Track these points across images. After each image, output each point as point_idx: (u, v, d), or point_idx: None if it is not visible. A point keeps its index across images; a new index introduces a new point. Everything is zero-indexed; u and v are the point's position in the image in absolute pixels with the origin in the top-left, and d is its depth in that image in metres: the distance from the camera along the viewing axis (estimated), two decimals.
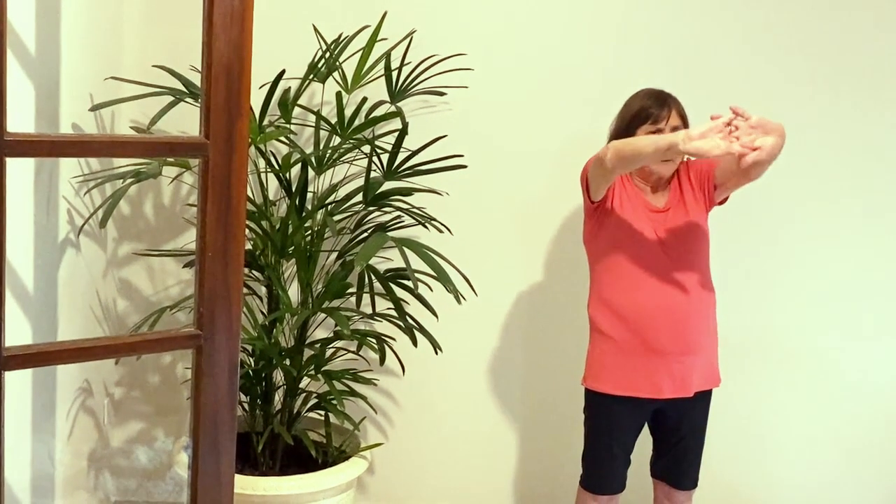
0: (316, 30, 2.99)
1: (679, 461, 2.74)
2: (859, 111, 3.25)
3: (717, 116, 2.29)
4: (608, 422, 2.68)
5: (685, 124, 2.64)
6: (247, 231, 2.15)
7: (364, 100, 2.90)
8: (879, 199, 3.31)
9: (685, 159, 2.68)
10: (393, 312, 2.83)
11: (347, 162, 3.02)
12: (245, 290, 2.36)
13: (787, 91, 3.20)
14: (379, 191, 2.88)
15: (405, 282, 2.82)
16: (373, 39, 2.93)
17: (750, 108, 2.33)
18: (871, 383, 3.41)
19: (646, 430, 2.76)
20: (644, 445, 2.76)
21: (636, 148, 2.45)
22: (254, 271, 2.92)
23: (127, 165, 2.74)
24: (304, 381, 2.96)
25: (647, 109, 2.60)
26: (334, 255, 3.00)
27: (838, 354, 3.39)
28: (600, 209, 2.64)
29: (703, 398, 2.70)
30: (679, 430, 2.70)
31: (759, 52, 3.20)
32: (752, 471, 3.45)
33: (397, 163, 2.88)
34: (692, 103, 2.69)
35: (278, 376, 2.99)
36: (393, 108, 2.85)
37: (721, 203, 2.72)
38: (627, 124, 2.63)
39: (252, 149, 2.78)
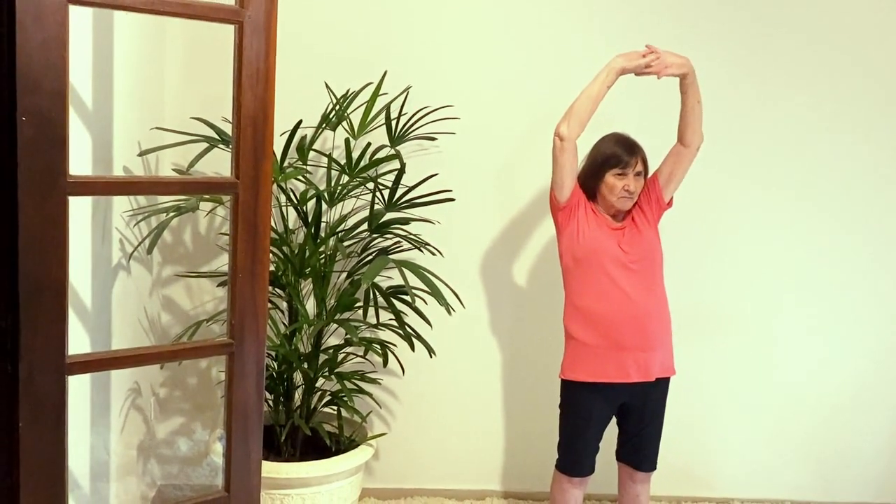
0: (327, 86, 3.00)
1: (641, 447, 2.72)
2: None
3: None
4: (582, 411, 2.65)
5: (646, 170, 2.65)
6: (270, 255, 2.16)
7: (368, 144, 2.91)
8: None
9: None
10: (394, 323, 2.82)
11: (355, 196, 3.03)
12: (269, 305, 2.35)
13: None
14: (381, 220, 2.88)
15: (404, 297, 2.82)
16: (375, 94, 2.94)
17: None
18: (806, 375, 3.43)
19: (612, 422, 2.74)
20: (609, 436, 2.75)
21: (584, 97, 2.52)
22: (277, 289, 2.91)
23: (169, 201, 2.75)
24: (320, 381, 2.94)
25: (618, 156, 2.58)
26: (344, 274, 3.00)
27: (779, 345, 3.42)
28: (569, 217, 2.61)
29: (662, 386, 2.69)
30: (643, 417, 2.68)
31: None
32: (698, 452, 3.46)
33: (397, 197, 2.88)
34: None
35: (298, 377, 2.98)
36: (392, 151, 2.86)
37: (669, 205, 2.70)
38: (599, 166, 2.61)
39: (274, 186, 2.78)
